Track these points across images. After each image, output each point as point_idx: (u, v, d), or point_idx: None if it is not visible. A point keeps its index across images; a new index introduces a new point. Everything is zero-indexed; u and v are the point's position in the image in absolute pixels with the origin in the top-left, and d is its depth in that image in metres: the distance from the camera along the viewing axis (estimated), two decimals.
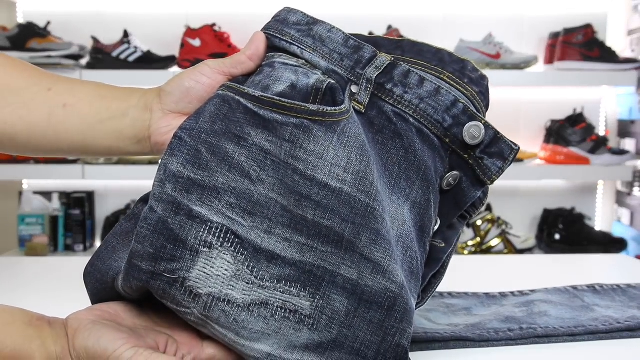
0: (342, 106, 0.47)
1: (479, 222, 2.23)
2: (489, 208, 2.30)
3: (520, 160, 2.21)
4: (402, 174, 0.48)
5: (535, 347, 0.59)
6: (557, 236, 2.27)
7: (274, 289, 0.45)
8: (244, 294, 0.44)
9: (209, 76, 0.52)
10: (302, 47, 0.50)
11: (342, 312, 0.45)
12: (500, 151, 0.50)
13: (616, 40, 2.37)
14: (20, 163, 2.15)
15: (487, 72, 2.16)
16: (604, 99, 2.41)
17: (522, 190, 2.44)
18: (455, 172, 0.50)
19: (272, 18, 0.54)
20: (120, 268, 0.47)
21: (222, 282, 0.44)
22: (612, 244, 2.22)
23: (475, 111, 0.50)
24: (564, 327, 0.61)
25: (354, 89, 0.49)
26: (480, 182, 0.51)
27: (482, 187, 0.51)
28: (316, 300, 0.45)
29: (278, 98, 0.47)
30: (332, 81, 0.49)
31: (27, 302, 0.76)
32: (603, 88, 2.39)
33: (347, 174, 0.46)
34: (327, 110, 0.47)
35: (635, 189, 2.32)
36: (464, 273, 0.87)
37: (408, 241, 0.48)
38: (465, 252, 2.23)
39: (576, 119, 2.27)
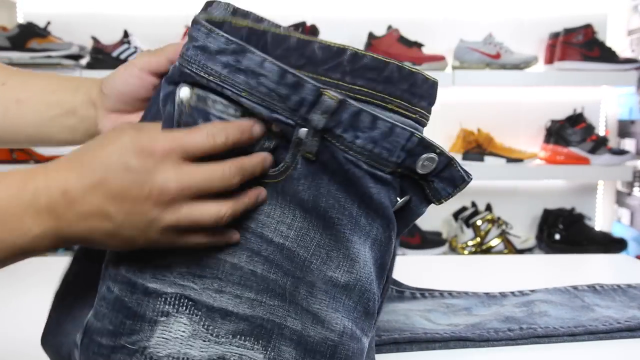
0: (286, 163, 0.47)
1: (479, 222, 2.23)
2: (489, 208, 2.30)
3: (520, 160, 2.21)
4: (361, 213, 0.48)
5: (535, 347, 0.59)
6: (557, 236, 2.27)
7: (230, 344, 0.46)
8: (202, 351, 0.45)
9: (139, 77, 0.52)
10: (236, 91, 0.45)
11: None
12: (451, 177, 0.49)
13: (616, 40, 2.37)
14: (20, 163, 2.15)
15: (487, 72, 2.17)
16: (604, 99, 2.41)
17: (522, 190, 2.43)
18: (406, 196, 0.50)
19: (188, 40, 0.46)
20: (70, 343, 0.48)
21: (181, 343, 0.45)
22: (612, 244, 2.22)
23: (423, 131, 0.49)
24: (564, 327, 0.61)
25: (301, 133, 0.46)
26: (428, 200, 0.50)
27: (429, 204, 0.51)
28: (268, 352, 0.46)
29: None
30: (277, 144, 0.47)
31: (27, 302, 0.76)
32: (603, 88, 2.39)
33: (290, 230, 0.47)
34: (272, 173, 0.47)
35: (635, 189, 2.32)
36: (464, 273, 0.87)
37: (367, 284, 0.48)
38: (465, 252, 2.23)
39: (576, 119, 2.27)
